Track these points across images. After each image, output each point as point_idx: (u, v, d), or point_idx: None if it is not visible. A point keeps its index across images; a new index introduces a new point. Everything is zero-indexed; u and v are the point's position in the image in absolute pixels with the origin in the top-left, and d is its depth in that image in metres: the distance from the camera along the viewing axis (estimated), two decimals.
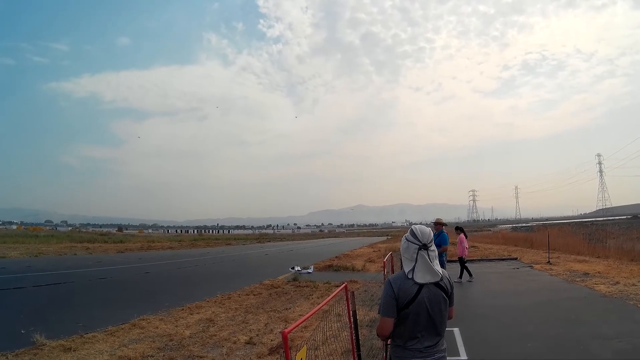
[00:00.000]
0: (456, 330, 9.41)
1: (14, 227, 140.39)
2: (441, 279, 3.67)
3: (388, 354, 4.01)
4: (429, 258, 3.62)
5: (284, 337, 2.65)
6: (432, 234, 3.77)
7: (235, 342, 9.65)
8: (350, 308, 5.33)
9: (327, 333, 5.89)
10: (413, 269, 3.62)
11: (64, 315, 12.51)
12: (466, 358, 7.87)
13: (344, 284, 5.24)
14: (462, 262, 18.26)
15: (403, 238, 3.84)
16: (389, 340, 3.91)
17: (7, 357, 8.18)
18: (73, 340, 9.50)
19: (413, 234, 3.73)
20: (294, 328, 3.03)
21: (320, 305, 4.28)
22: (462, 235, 18.26)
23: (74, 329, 10.46)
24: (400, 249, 3.87)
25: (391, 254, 11.94)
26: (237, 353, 8.87)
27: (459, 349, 8.21)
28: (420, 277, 3.59)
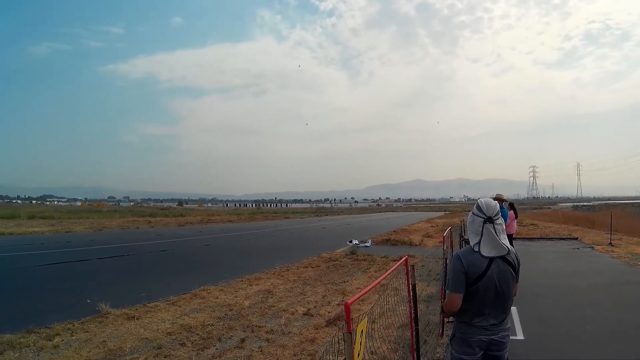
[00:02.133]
0: (513, 309, 9.32)
1: (78, 203, 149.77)
2: (508, 253, 3.71)
3: (452, 330, 4.09)
4: (495, 231, 3.66)
5: (347, 307, 2.80)
6: (498, 207, 3.81)
7: (293, 313, 10.09)
8: (410, 282, 5.43)
9: (384, 307, 6.04)
10: (479, 243, 3.68)
11: (127, 286, 13.50)
12: (523, 338, 7.84)
13: (404, 258, 5.34)
14: (509, 239, 17.83)
15: (470, 213, 3.91)
16: (451, 317, 4.02)
17: (74, 325, 8.98)
18: (136, 309, 10.29)
19: (478, 207, 3.78)
20: (357, 299, 3.20)
21: (382, 277, 4.43)
22: (511, 211, 17.86)
23: (137, 298, 11.32)
24: (466, 224, 3.91)
25: (450, 229, 11.86)
26: (295, 324, 9.27)
27: (516, 329, 8.16)
28: (487, 251, 3.65)
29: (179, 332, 8.62)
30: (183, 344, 7.97)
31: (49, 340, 8.04)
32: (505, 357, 3.84)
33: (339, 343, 7.63)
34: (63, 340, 8.07)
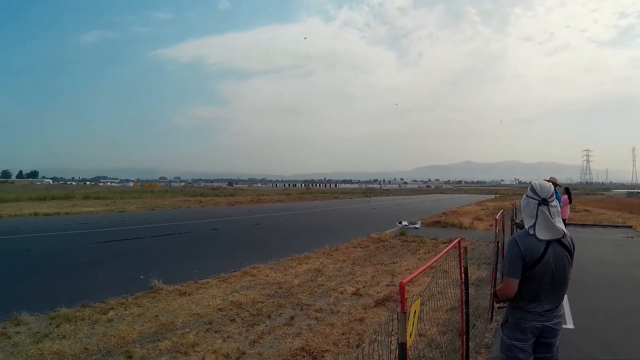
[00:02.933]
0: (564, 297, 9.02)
1: (131, 184, 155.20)
2: (564, 236, 3.62)
3: (504, 316, 4.00)
4: (550, 214, 3.57)
5: (402, 287, 2.78)
6: (553, 190, 3.68)
7: (342, 293, 10.17)
8: (462, 264, 5.33)
9: (434, 289, 5.98)
10: (534, 226, 3.60)
11: (179, 263, 13.93)
12: (573, 327, 7.57)
13: (456, 239, 5.24)
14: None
15: (524, 195, 3.80)
16: (502, 302, 3.93)
17: (127, 300, 9.36)
18: (188, 285, 10.62)
19: (532, 189, 3.70)
20: (411, 279, 3.17)
21: (436, 257, 4.37)
22: (565, 196, 17.17)
23: (188, 275, 11.68)
24: (521, 206, 3.82)
25: (502, 212, 11.58)
26: (344, 303, 9.34)
27: (566, 318, 7.87)
28: (542, 234, 3.56)
29: (229, 309, 8.85)
30: (233, 320, 8.17)
31: (103, 314, 8.41)
32: (557, 345, 3.77)
33: (387, 324, 7.66)
34: (117, 315, 8.42)
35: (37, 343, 6.96)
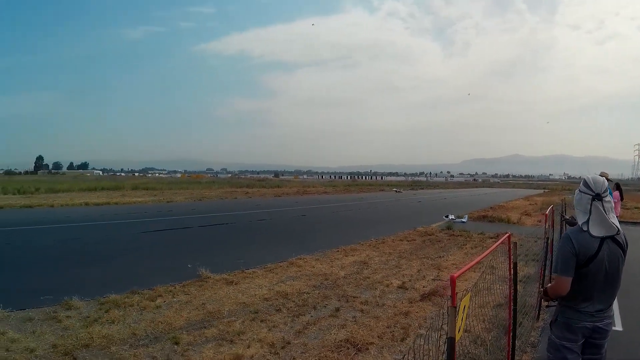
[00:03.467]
0: None
1: (178, 175, 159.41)
2: (617, 233, 3.47)
3: (553, 314, 3.86)
4: (604, 209, 3.44)
5: (452, 281, 2.74)
6: (607, 184, 3.53)
7: (387, 286, 10.10)
8: (512, 260, 5.18)
9: (480, 285, 5.82)
10: (587, 222, 3.47)
11: (226, 253, 14.14)
12: (622, 329, 7.21)
13: (506, 234, 5.09)
14: None
15: (576, 190, 3.67)
16: (551, 300, 3.80)
17: (175, 287, 9.57)
18: (235, 274, 10.76)
19: (586, 183, 3.56)
20: (462, 273, 3.10)
21: (486, 253, 4.24)
22: (617, 192, 16.35)
23: (235, 265, 11.83)
24: (574, 202, 3.69)
25: (552, 207, 11.18)
26: (390, 296, 9.27)
27: (614, 319, 7.52)
28: (596, 231, 3.43)
29: (275, 298, 8.92)
30: (279, 310, 8.23)
31: (152, 300, 8.63)
32: (605, 346, 3.62)
33: (433, 318, 7.52)
34: (165, 301, 8.63)
35: (87, 327, 7.20)
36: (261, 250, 14.49)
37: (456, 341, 2.76)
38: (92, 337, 6.71)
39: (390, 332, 7.12)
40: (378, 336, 6.90)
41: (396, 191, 35.83)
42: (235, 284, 9.96)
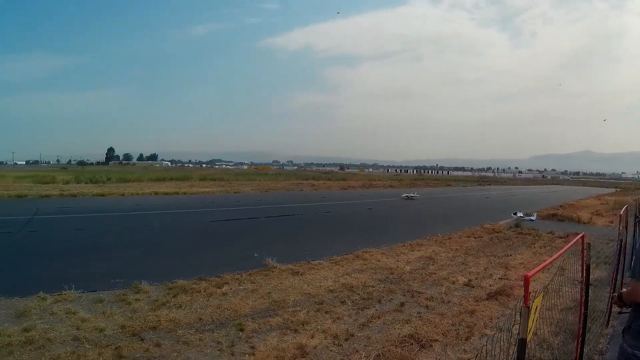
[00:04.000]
0: None
1: (245, 167, 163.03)
2: None
3: (627, 322, 3.56)
4: None
5: (526, 280, 2.58)
6: None
7: (453, 283, 9.86)
8: (584, 262, 4.88)
9: (548, 286, 5.50)
10: None
11: (292, 243, 14.25)
12: None
13: (580, 235, 4.79)
14: None
15: None
16: (625, 307, 3.51)
17: (241, 276, 9.70)
18: (300, 265, 10.79)
19: None
20: (536, 272, 2.91)
21: (560, 252, 4.02)
22: None
23: (301, 255, 11.87)
24: None
25: (626, 207, 10.48)
26: (455, 294, 9.03)
27: None
28: None
29: (340, 290, 8.86)
30: (343, 302, 8.17)
31: (218, 287, 8.78)
32: None
33: (499, 318, 7.21)
34: (231, 289, 8.76)
35: (155, 310, 7.42)
36: (327, 242, 14.50)
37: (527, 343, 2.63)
38: (160, 320, 6.90)
39: (455, 330, 6.93)
40: (442, 333, 6.72)
41: (407, 197, 34.62)
42: (301, 274, 9.98)
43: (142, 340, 6.29)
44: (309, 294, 8.56)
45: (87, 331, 6.56)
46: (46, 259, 11.76)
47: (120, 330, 6.60)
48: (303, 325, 6.86)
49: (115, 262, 11.32)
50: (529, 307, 2.62)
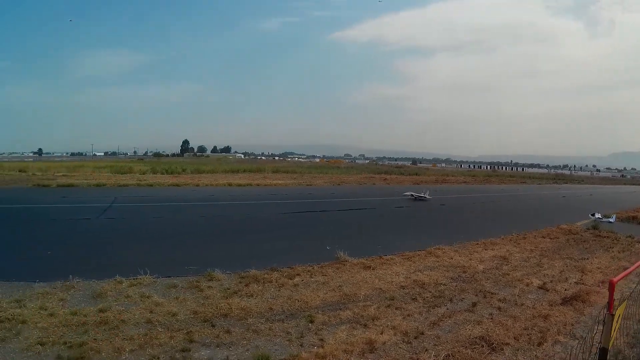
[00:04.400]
0: None
1: (317, 160, 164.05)
2: None
3: None
4: None
5: (611, 286, 2.36)
6: None
7: (527, 285, 9.42)
8: None
9: (624, 293, 5.06)
10: None
11: (364, 237, 14.20)
12: None
13: None
14: None
15: None
16: None
17: (313, 268, 9.72)
18: (372, 260, 10.67)
19: None
20: (622, 277, 2.66)
21: None
22: None
23: (373, 250, 11.76)
24: None
25: None
26: (529, 297, 8.62)
27: None
28: None
29: (411, 287, 8.69)
30: (414, 299, 7.99)
31: (290, 279, 8.84)
32: None
33: (572, 325, 6.79)
34: (302, 281, 8.79)
35: (227, 298, 7.57)
36: (399, 236, 14.28)
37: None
38: (231, 308, 7.02)
39: (527, 334, 6.61)
40: (514, 337, 6.43)
41: (413, 196, 28.43)
42: (373, 269, 9.88)
43: (213, 326, 6.42)
44: (380, 289, 8.45)
45: (160, 315, 6.78)
46: (123, 244, 12.32)
47: (192, 316, 6.77)
48: (373, 321, 6.77)
49: (189, 249, 11.69)
50: (613, 315, 2.38)
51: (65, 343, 5.78)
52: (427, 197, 27.11)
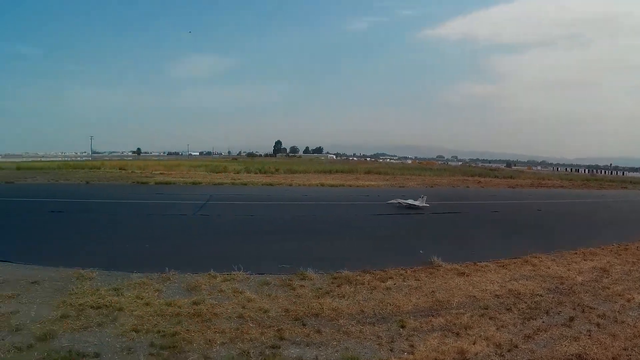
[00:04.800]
0: None
1: (409, 161, 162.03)
2: None
3: None
4: None
5: None
6: None
7: (628, 301, 8.59)
8: None
9: None
10: None
11: (458, 241, 13.77)
12: None
13: None
14: None
15: None
16: None
17: (406, 272, 9.54)
18: (466, 266, 10.31)
19: None
20: None
21: None
22: None
23: (467, 255, 11.35)
24: None
25: None
26: (630, 313, 7.88)
27: None
28: None
29: (506, 297, 8.27)
30: (509, 309, 7.58)
31: (382, 282, 8.74)
32: None
33: None
34: (395, 284, 8.65)
35: (318, 298, 7.61)
36: (493, 242, 13.73)
37: None
38: (322, 308, 7.03)
39: (627, 355, 6.11)
40: (612, 357, 5.98)
41: (403, 204, 22.15)
42: (467, 275, 9.55)
43: (303, 325, 6.46)
44: (474, 296, 8.12)
45: (251, 311, 6.94)
46: (217, 240, 12.84)
47: (284, 314, 6.86)
48: (465, 330, 6.51)
49: (281, 247, 12.00)
50: None
51: (158, 331, 6.09)
52: (419, 204, 21.69)
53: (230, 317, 6.73)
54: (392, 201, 22.55)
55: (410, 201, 21.71)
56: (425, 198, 22.00)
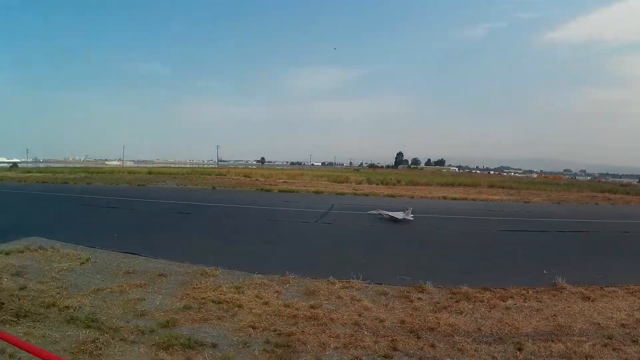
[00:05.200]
0: None
1: (534, 175, 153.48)
2: None
3: None
4: None
5: None
6: None
7: None
8: None
9: None
10: None
11: (584, 263, 12.89)
12: None
13: None
14: None
15: None
16: None
17: (527, 292, 9.21)
18: (592, 290, 9.64)
19: None
20: None
21: None
22: None
23: (593, 278, 10.61)
24: None
25: None
26: None
27: None
28: None
29: (633, 327, 7.62)
30: (635, 341, 6.98)
31: (502, 300, 8.56)
32: None
33: None
34: (515, 304, 8.42)
35: (435, 312, 7.68)
36: (623, 266, 12.63)
37: None
38: (439, 323, 7.09)
39: None
40: None
41: (382, 215, 20.38)
42: (592, 300, 8.96)
43: (418, 338, 6.57)
44: (598, 324, 7.62)
45: (367, 319, 7.18)
46: (337, 248, 13.35)
47: (399, 325, 7.03)
48: (586, 359, 6.17)
49: (401, 258, 12.15)
50: None
51: (275, 330, 6.56)
52: (400, 217, 19.70)
53: (345, 323, 7.02)
54: (372, 212, 21.20)
55: (392, 213, 20.21)
56: (410, 210, 20.59)
